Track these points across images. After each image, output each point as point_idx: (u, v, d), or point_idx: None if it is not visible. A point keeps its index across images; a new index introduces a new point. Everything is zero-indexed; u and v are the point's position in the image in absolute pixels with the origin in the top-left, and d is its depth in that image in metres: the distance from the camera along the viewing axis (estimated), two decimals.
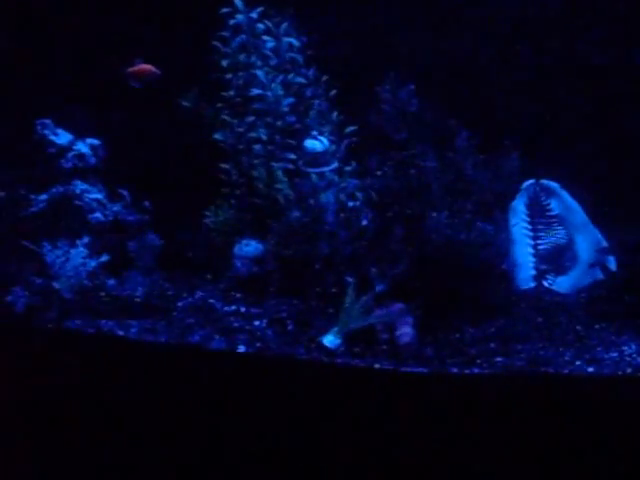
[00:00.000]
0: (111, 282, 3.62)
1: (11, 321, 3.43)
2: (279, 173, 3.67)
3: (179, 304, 3.60)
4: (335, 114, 3.88)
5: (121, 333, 3.35)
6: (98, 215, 3.79)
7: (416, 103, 3.47)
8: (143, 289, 3.62)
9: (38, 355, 3.33)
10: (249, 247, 3.71)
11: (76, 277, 3.49)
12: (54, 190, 3.80)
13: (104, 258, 3.58)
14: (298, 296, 3.56)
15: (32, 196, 3.75)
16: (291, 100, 3.85)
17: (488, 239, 3.29)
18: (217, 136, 3.84)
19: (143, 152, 4.06)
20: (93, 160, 3.87)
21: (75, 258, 3.51)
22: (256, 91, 3.80)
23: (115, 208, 3.86)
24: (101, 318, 3.45)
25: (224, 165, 3.90)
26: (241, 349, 3.22)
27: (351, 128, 3.82)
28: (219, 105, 3.92)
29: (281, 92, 3.72)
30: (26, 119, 3.87)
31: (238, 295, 3.66)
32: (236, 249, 3.73)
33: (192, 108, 3.92)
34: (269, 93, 3.73)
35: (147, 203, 3.87)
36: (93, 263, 3.54)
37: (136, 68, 3.77)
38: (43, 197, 3.79)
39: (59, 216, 3.73)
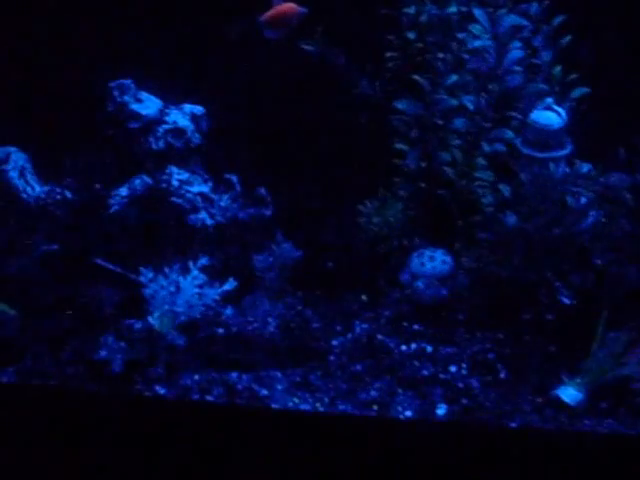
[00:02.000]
0: (228, 311, 3.51)
1: (109, 388, 3.28)
2: (479, 158, 3.53)
3: (335, 342, 3.49)
4: (558, 70, 3.65)
5: (264, 393, 3.24)
6: (203, 216, 3.61)
7: None
8: (276, 321, 3.49)
9: (148, 434, 3.19)
10: (434, 261, 3.59)
11: (189, 315, 3.36)
12: (138, 182, 3.60)
13: (230, 285, 3.44)
14: (505, 328, 3.47)
15: (106, 191, 3.62)
16: (519, 54, 3.56)
17: None
18: (399, 105, 3.66)
19: (263, 121, 3.96)
20: (197, 137, 3.68)
21: (188, 288, 3.38)
22: (477, 43, 3.54)
23: (222, 202, 3.70)
24: (229, 369, 3.33)
25: (399, 144, 3.73)
26: (441, 410, 3.16)
27: (582, 90, 3.59)
28: (391, 55, 3.76)
29: (509, 41, 3.46)
30: (97, 81, 3.71)
31: (416, 327, 3.54)
32: (414, 263, 3.61)
33: (319, 54, 3.80)
34: (490, 42, 3.47)
35: (264, 192, 3.73)
36: (214, 293, 3.42)
37: (274, 11, 3.58)
38: (122, 192, 3.61)
39: (147, 220, 3.57)
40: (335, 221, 3.90)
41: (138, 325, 3.35)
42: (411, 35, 3.69)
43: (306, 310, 3.60)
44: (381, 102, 3.82)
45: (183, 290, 3.36)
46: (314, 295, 3.71)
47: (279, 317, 3.52)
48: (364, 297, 3.72)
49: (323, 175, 3.94)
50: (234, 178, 3.75)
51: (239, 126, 3.92)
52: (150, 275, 3.38)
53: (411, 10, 3.66)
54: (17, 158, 3.66)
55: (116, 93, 3.69)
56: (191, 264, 3.40)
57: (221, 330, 3.44)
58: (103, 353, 3.32)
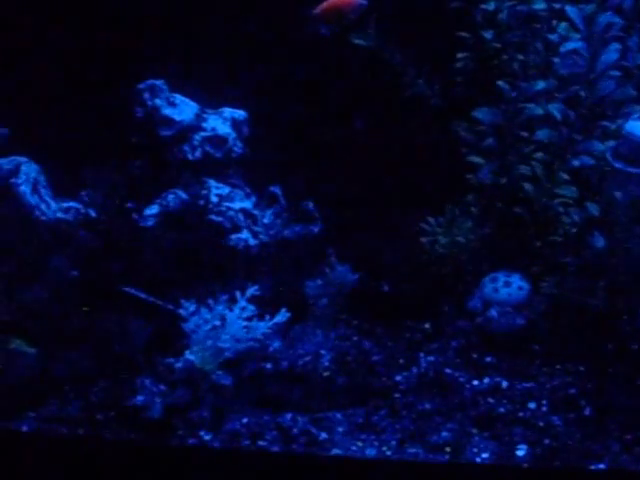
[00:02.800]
0: (275, 343, 3.50)
1: (147, 436, 3.25)
2: (562, 173, 3.52)
3: (398, 378, 3.49)
4: None
5: (324, 436, 3.23)
6: (246, 236, 3.61)
7: None
8: (330, 354, 3.47)
9: None
10: (510, 287, 3.60)
11: (235, 350, 3.35)
12: (171, 197, 3.58)
13: (282, 317, 3.42)
14: (587, 361, 3.49)
15: (134, 208, 3.60)
16: (614, 56, 3.50)
17: None
18: (478, 114, 3.65)
19: (309, 126, 3.96)
20: (238, 146, 3.67)
21: (235, 321, 3.36)
22: (570, 44, 3.49)
23: (265, 219, 3.70)
24: (281, 410, 3.33)
25: (472, 157, 3.75)
26: (521, 452, 3.14)
27: None
28: (462, 56, 3.75)
29: (604, 43, 3.41)
30: (124, 82, 3.70)
31: (488, 359, 3.56)
32: (487, 289, 3.62)
33: (372, 49, 3.82)
34: (582, 45, 3.42)
35: (311, 206, 3.72)
36: (264, 326, 3.39)
37: (329, 3, 3.51)
38: (153, 210, 3.58)
39: (182, 241, 3.56)
40: (394, 240, 3.89)
41: (179, 364, 3.33)
42: (488, 35, 3.68)
43: (363, 341, 3.60)
44: (443, 106, 3.86)
45: (229, 323, 3.35)
46: (371, 324, 3.73)
47: (333, 349, 3.51)
48: (427, 326, 3.75)
49: (380, 187, 3.96)
50: (277, 190, 3.75)
51: (282, 131, 3.95)
52: (192, 308, 3.35)
53: (490, 6, 3.66)
54: (28, 170, 3.58)
55: (146, 96, 3.65)
56: (238, 294, 3.38)
57: (269, 365, 3.44)
58: (140, 398, 3.30)
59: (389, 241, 3.88)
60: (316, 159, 3.96)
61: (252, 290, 3.40)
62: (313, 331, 3.59)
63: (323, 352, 3.51)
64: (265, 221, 3.70)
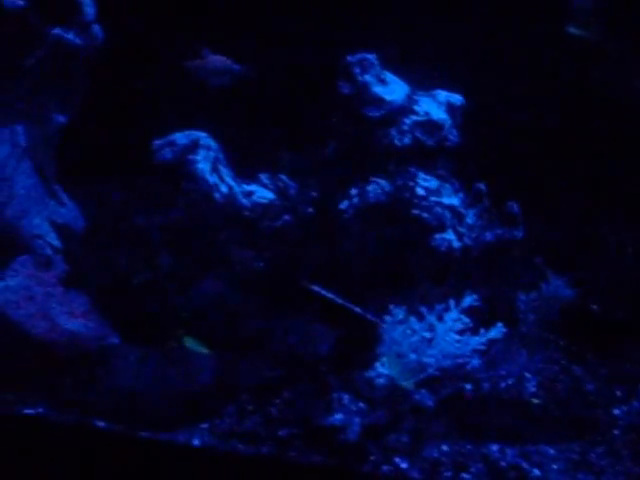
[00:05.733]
0: (474, 361, 3.24)
1: (340, 460, 3.02)
2: None
3: (617, 412, 3.32)
4: None
5: (536, 473, 3.01)
6: (451, 237, 3.37)
7: None
8: (536, 378, 3.35)
9: None
10: None
11: (440, 367, 3.11)
12: (372, 187, 3.37)
13: (497, 332, 3.12)
14: None
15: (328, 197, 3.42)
16: None
17: None
18: None
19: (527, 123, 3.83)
20: (454, 134, 3.45)
21: (446, 334, 3.11)
22: None
23: (469, 219, 3.45)
24: (485, 439, 3.12)
25: None
26: None
27: None
28: None
29: None
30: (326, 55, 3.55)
31: None
32: None
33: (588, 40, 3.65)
34: None
35: (516, 208, 3.49)
36: (477, 342, 3.12)
37: None
38: (351, 201, 3.36)
39: (381, 237, 3.35)
40: (611, 255, 3.76)
41: (381, 380, 3.11)
42: None
43: (573, 366, 3.47)
44: None
45: (439, 336, 3.12)
46: (581, 347, 3.56)
47: (540, 373, 3.39)
48: None
49: (598, 194, 3.82)
50: (483, 188, 3.53)
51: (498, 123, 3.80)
52: (401, 315, 3.11)
53: None
54: (208, 146, 3.40)
55: (356, 70, 3.43)
56: (452, 303, 3.14)
57: (469, 386, 3.28)
58: (338, 416, 3.08)
59: (605, 255, 3.73)
60: (527, 157, 3.82)
61: (470, 300, 3.15)
62: (517, 350, 3.43)
63: (528, 375, 3.37)
64: (468, 221, 3.48)
